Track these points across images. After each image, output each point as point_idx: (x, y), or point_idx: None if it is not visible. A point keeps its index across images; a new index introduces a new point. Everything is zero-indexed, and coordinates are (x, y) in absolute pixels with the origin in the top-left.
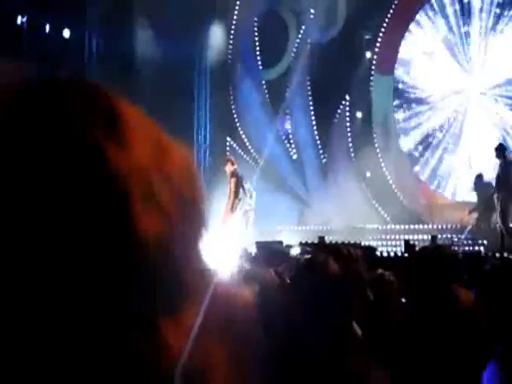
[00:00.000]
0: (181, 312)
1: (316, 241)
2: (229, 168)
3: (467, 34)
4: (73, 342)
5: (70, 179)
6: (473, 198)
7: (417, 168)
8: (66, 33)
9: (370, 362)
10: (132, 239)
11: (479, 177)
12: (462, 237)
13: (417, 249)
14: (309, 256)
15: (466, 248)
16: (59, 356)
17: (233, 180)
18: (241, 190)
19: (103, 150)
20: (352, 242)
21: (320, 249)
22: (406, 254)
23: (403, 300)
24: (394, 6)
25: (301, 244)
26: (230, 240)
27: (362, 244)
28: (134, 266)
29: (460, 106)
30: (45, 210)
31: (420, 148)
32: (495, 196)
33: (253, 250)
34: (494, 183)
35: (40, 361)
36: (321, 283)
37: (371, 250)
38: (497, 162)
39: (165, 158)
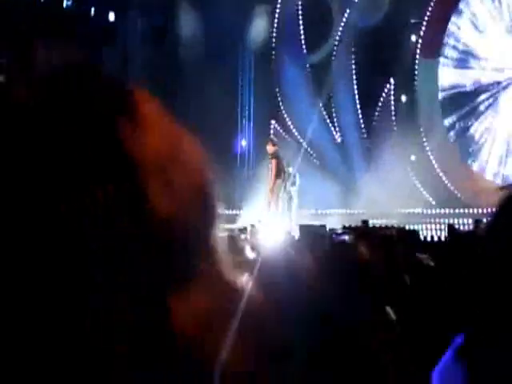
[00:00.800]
0: (188, 292)
1: (359, 224)
2: (269, 149)
3: None
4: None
5: (94, 158)
6: None
7: (461, 152)
8: (111, 16)
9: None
10: (148, 217)
11: None
12: None
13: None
14: (339, 240)
15: None
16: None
17: (274, 161)
18: (282, 172)
19: (127, 139)
20: (395, 225)
21: (360, 233)
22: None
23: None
24: None
25: (344, 228)
26: (273, 222)
27: (406, 228)
28: (148, 243)
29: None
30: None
31: (465, 131)
32: None
33: (296, 233)
34: None
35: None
36: (346, 267)
37: (414, 233)
38: None
39: (179, 149)
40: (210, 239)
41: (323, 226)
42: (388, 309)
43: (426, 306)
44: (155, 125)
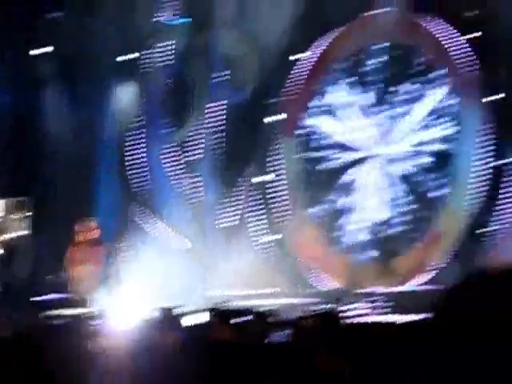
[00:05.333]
0: None
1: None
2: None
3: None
4: None
5: None
6: None
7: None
8: None
9: None
10: None
11: None
12: None
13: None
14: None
15: None
16: None
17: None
18: None
19: None
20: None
21: (217, 316)
22: None
23: None
24: (297, 73)
25: (194, 311)
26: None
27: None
28: None
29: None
30: None
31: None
32: None
33: (146, 314)
34: None
35: None
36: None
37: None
38: None
39: None
40: None
41: (169, 309)
42: None
43: None
44: None
